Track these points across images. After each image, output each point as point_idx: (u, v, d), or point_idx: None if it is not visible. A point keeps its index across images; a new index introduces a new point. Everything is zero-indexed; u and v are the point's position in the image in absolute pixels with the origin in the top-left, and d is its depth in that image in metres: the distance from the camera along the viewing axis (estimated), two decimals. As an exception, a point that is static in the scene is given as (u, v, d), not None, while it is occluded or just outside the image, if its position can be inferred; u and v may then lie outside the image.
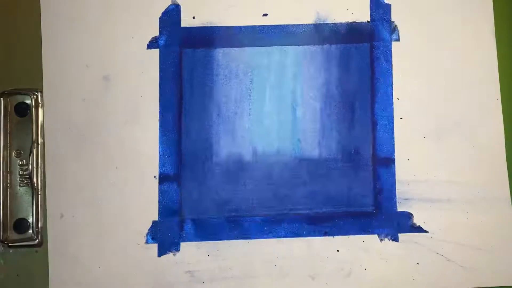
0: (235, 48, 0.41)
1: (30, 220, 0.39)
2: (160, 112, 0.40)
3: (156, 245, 0.40)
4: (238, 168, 0.40)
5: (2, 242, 0.39)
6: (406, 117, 0.41)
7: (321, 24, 0.41)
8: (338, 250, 0.40)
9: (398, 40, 0.41)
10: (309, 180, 0.40)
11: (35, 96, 0.40)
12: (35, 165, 0.39)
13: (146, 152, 0.40)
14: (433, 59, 0.41)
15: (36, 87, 0.40)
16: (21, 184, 0.39)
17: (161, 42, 0.40)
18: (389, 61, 0.41)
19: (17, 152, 0.40)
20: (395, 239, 0.40)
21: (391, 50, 0.41)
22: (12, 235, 0.39)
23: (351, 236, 0.40)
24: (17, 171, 0.39)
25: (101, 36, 0.40)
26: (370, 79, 0.41)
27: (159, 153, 0.40)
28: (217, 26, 0.41)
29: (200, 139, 0.40)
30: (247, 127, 0.41)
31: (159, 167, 0.40)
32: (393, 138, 0.40)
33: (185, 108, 0.40)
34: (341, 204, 0.40)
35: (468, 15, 0.41)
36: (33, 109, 0.40)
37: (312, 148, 0.40)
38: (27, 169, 0.39)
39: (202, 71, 0.41)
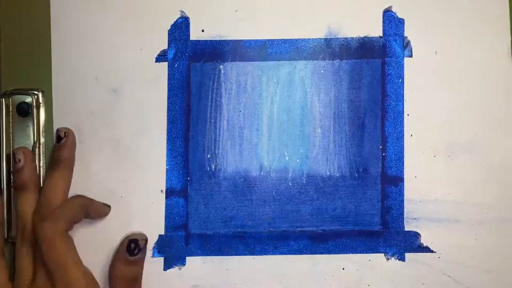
0: (244, 62, 0.40)
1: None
2: (168, 126, 0.40)
3: (162, 258, 0.40)
4: (244, 184, 0.40)
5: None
6: (417, 135, 0.40)
7: (332, 38, 0.40)
8: (343, 268, 0.40)
9: (410, 56, 0.40)
10: (316, 197, 0.40)
11: (36, 96, 0.40)
12: (36, 165, 0.40)
13: (153, 166, 0.40)
14: (446, 76, 0.40)
15: (37, 86, 0.40)
16: (22, 184, 0.40)
17: (170, 55, 0.40)
18: (401, 77, 0.40)
19: None
20: (402, 258, 0.40)
21: (403, 66, 0.40)
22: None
23: (357, 254, 0.40)
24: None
25: (110, 48, 0.40)
26: (381, 95, 0.40)
27: (166, 167, 0.40)
28: (226, 40, 0.40)
29: (207, 154, 0.40)
30: (255, 142, 0.40)
31: (166, 181, 0.40)
32: (402, 156, 0.40)
33: (192, 122, 0.40)
34: (348, 222, 0.40)
35: (483, 32, 0.40)
36: (34, 109, 0.40)
37: (320, 164, 0.40)
38: None
39: (210, 84, 0.40)
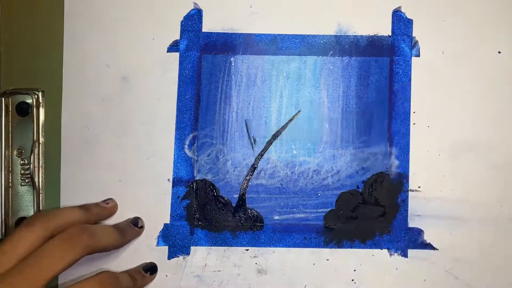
0: (254, 56, 0.41)
1: (31, 219, 0.40)
2: (177, 116, 0.40)
3: (166, 247, 0.40)
4: (252, 176, 0.40)
5: None
6: (422, 133, 0.41)
7: (342, 35, 0.41)
8: (347, 263, 0.40)
9: (418, 55, 0.41)
10: (322, 191, 0.40)
11: (36, 96, 0.40)
12: (36, 165, 0.39)
13: (161, 155, 0.40)
14: (452, 76, 0.41)
15: (37, 86, 0.40)
16: (22, 184, 0.40)
17: (182, 46, 0.40)
18: (408, 76, 0.41)
19: (18, 152, 0.40)
20: (405, 254, 0.40)
21: (410, 65, 0.41)
22: None
23: (361, 250, 0.40)
24: (18, 171, 0.40)
25: (122, 36, 0.41)
26: (389, 93, 0.41)
27: (174, 156, 0.40)
28: (238, 33, 0.41)
29: (215, 145, 0.40)
30: (263, 135, 0.41)
31: (174, 170, 0.40)
32: (408, 153, 0.40)
33: (201, 113, 0.40)
34: (352, 217, 0.40)
35: (488, 34, 0.41)
36: (34, 108, 0.40)
37: (327, 159, 0.40)
38: (28, 169, 0.39)
39: (220, 76, 0.41)
